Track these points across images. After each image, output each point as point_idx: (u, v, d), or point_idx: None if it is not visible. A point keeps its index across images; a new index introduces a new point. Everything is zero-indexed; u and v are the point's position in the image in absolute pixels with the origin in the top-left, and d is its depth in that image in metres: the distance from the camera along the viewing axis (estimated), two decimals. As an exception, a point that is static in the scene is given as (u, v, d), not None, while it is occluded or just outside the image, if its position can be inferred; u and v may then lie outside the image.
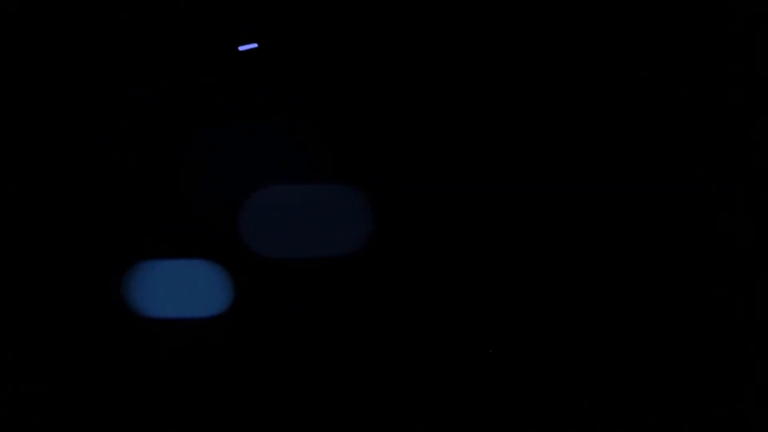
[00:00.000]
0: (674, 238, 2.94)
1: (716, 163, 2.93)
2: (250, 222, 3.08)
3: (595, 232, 2.99)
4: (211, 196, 3.09)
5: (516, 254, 3.03)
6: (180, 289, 3.00)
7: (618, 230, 2.98)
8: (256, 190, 3.09)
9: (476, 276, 3.04)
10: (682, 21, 2.97)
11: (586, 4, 3.03)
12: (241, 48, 2.93)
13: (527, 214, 3.03)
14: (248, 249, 3.07)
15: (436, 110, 3.10)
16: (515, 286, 3.02)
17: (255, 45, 2.87)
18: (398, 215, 3.07)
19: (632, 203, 2.98)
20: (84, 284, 3.04)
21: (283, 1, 3.11)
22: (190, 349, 3.02)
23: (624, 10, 3.01)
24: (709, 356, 2.86)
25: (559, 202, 3.02)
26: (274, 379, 2.99)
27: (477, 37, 3.09)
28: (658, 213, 2.95)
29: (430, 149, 3.09)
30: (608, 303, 2.96)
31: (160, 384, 2.98)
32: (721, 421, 2.80)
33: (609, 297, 2.96)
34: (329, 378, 2.99)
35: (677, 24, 2.98)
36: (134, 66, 3.10)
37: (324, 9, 3.11)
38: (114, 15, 3.07)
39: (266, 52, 3.11)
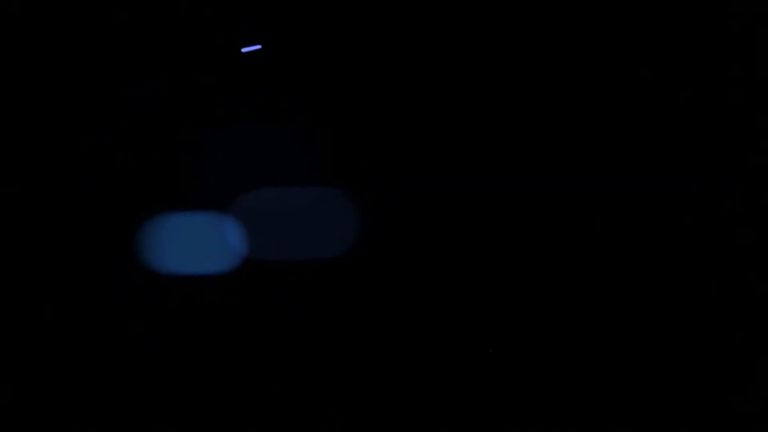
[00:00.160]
0: (674, 238, 2.94)
1: (716, 163, 2.93)
2: (248, 222, 3.08)
3: (596, 232, 2.99)
4: (211, 197, 3.09)
5: (516, 254, 3.03)
6: (193, 243, 2.99)
7: (618, 230, 2.98)
8: (256, 190, 3.09)
9: (476, 276, 3.04)
10: (682, 21, 2.97)
11: (586, 4, 3.03)
12: (245, 50, 2.93)
13: (527, 214, 3.03)
14: (248, 250, 3.07)
15: (436, 110, 3.10)
16: (515, 286, 3.02)
17: (258, 47, 2.87)
18: (398, 215, 3.07)
19: (632, 203, 2.98)
20: (84, 284, 3.04)
21: (283, 1, 3.11)
22: (189, 349, 3.02)
23: (624, 10, 3.01)
24: (709, 356, 2.86)
25: (559, 202, 3.02)
26: (274, 379, 2.99)
27: (477, 37, 3.09)
28: (658, 213, 2.95)
29: (430, 149, 3.09)
30: (608, 303, 2.96)
31: (159, 384, 2.98)
32: (721, 421, 2.80)
33: (609, 297, 2.96)
34: (329, 378, 2.99)
35: (677, 24, 2.98)
36: (134, 66, 3.10)
37: (324, 9, 3.11)
38: (114, 15, 3.07)
39: (266, 52, 3.11)
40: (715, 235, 2.91)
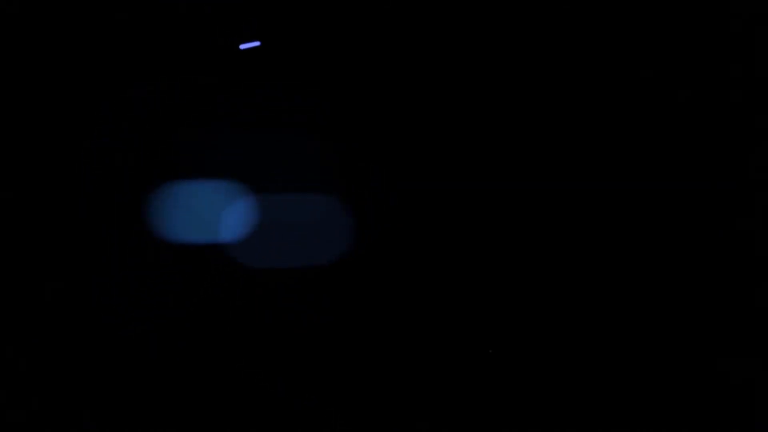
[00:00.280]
0: (674, 238, 2.94)
1: (716, 163, 2.93)
2: (247, 223, 3.08)
3: (596, 232, 2.99)
4: (211, 196, 3.09)
5: (516, 254, 3.03)
6: (202, 212, 2.98)
7: (618, 230, 2.98)
8: (256, 190, 3.09)
9: (476, 276, 3.04)
10: (682, 21, 2.97)
11: (586, 4, 3.03)
12: (243, 46, 2.93)
13: (527, 214, 3.03)
14: (248, 250, 3.07)
15: (436, 110, 3.10)
16: (515, 286, 3.02)
17: (257, 43, 2.87)
18: (398, 215, 3.07)
19: (632, 203, 2.98)
20: (84, 284, 3.04)
21: (283, 1, 3.11)
22: (189, 350, 3.02)
23: (624, 10, 3.01)
24: (709, 356, 2.86)
25: (559, 202, 3.02)
26: (274, 379, 2.99)
27: (477, 37, 3.09)
28: (659, 213, 2.95)
29: (430, 149, 3.09)
30: (608, 303, 2.96)
31: (159, 384, 2.98)
32: (721, 421, 2.80)
33: (609, 297, 2.96)
34: (329, 378, 2.99)
35: (677, 24, 2.98)
36: (134, 66, 3.10)
37: (324, 9, 3.11)
38: (114, 15, 3.07)
39: (266, 52, 3.11)
40: (715, 235, 2.91)
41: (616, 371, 2.90)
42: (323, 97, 3.12)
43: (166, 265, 3.06)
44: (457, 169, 3.08)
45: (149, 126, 3.10)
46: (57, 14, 3.06)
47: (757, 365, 2.82)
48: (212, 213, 3.06)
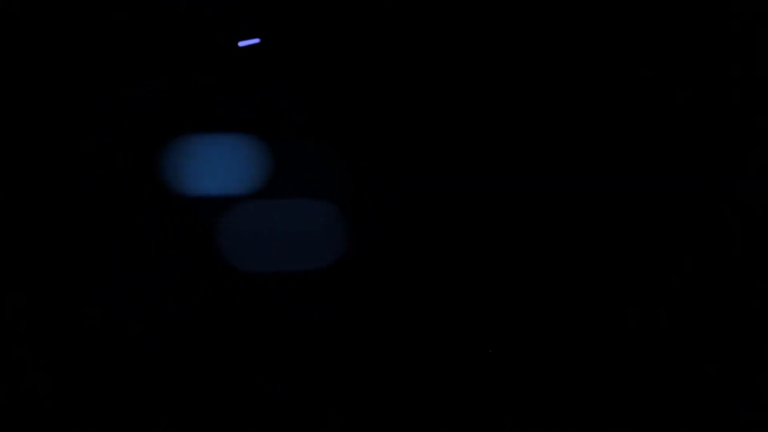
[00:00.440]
0: (674, 238, 2.94)
1: (716, 163, 2.93)
2: (247, 223, 3.08)
3: (596, 232, 2.99)
4: (211, 196, 3.09)
5: (516, 254, 3.03)
6: (216, 165, 2.97)
7: (618, 230, 2.98)
8: (255, 190, 3.09)
9: (476, 276, 3.04)
10: (682, 21, 2.97)
11: (586, 4, 3.03)
12: (242, 44, 2.93)
13: (527, 214, 3.03)
14: (247, 250, 3.07)
15: (435, 111, 3.10)
16: (515, 286, 3.02)
17: (257, 40, 2.86)
18: (398, 215, 3.07)
19: (632, 203, 2.98)
20: (84, 284, 3.04)
21: (283, 1, 3.11)
22: (188, 350, 3.02)
23: (624, 10, 3.01)
24: (708, 356, 2.86)
25: (559, 202, 3.02)
26: (274, 379, 2.99)
27: (477, 37, 3.09)
28: (659, 213, 2.95)
29: (430, 149, 3.09)
30: (608, 303, 2.96)
31: (158, 384, 2.98)
32: (721, 421, 2.80)
33: (609, 297, 2.96)
34: (329, 378, 2.99)
35: (677, 24, 2.98)
36: (134, 66, 3.10)
37: (324, 9, 3.11)
38: (114, 15, 3.07)
39: (266, 52, 3.11)
40: (715, 235, 2.91)
41: (616, 371, 2.90)
42: (323, 97, 3.12)
43: (166, 266, 3.06)
44: (457, 169, 3.08)
45: (148, 126, 3.10)
46: (57, 14, 3.06)
47: (758, 365, 2.81)
48: (212, 213, 3.06)
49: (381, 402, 2.95)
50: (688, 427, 2.81)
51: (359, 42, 3.12)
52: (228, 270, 3.07)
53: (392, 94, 3.11)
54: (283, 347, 3.03)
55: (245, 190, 3.09)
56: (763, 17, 2.91)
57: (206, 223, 3.09)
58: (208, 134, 3.01)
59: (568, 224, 3.01)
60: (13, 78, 3.06)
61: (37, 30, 3.07)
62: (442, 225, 3.06)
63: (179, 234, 3.08)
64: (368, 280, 3.06)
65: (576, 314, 2.97)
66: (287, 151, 3.11)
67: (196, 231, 3.08)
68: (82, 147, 3.09)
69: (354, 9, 3.10)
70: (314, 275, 3.07)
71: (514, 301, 3.01)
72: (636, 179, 2.98)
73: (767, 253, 2.85)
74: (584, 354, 2.93)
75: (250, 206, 3.09)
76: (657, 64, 2.99)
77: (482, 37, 3.09)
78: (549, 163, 3.04)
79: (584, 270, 2.98)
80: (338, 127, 3.12)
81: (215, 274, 3.07)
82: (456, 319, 3.02)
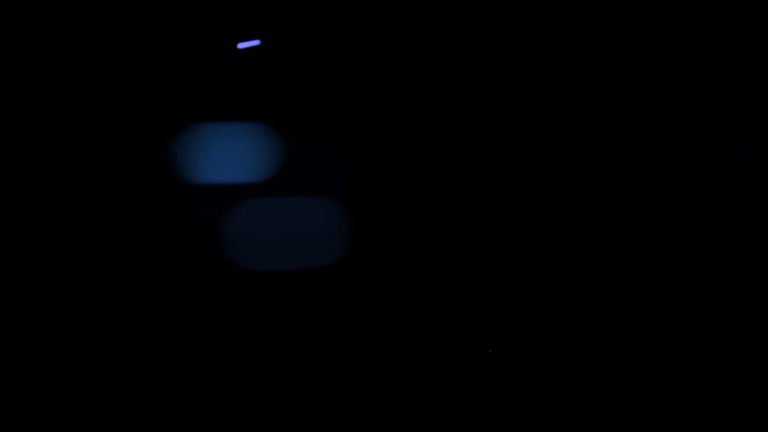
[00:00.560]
0: (674, 238, 2.94)
1: (716, 163, 2.93)
2: (247, 224, 3.08)
3: (595, 231, 2.99)
4: (211, 197, 3.09)
5: (516, 254, 3.03)
6: (226, 152, 2.97)
7: (618, 230, 2.98)
8: (254, 190, 3.09)
9: (476, 276, 3.04)
10: (682, 21, 2.97)
11: (586, 5, 3.03)
12: (241, 45, 2.93)
13: (527, 214, 3.03)
14: (247, 251, 3.07)
15: (435, 111, 3.10)
16: (515, 286, 3.02)
17: (257, 42, 2.86)
18: (397, 215, 3.07)
19: (632, 203, 2.98)
20: (84, 284, 3.04)
21: (283, 1, 3.11)
22: (188, 350, 3.02)
23: (624, 10, 3.01)
24: (709, 356, 2.86)
25: (559, 202, 3.02)
26: (274, 379, 2.99)
27: (477, 37, 3.09)
28: (658, 213, 2.96)
29: (429, 149, 3.09)
30: (608, 303, 2.96)
31: (159, 384, 2.98)
32: (721, 421, 2.80)
33: (609, 297, 2.96)
34: (329, 378, 2.99)
35: (677, 24, 2.98)
36: (134, 66, 3.10)
37: (324, 9, 3.11)
38: (114, 15, 3.07)
39: (266, 51, 3.11)
40: (715, 235, 2.91)
41: (616, 371, 2.90)
42: (323, 96, 3.12)
43: (166, 265, 3.07)
44: (457, 169, 3.08)
45: (149, 126, 3.10)
46: (57, 14, 3.06)
47: (757, 365, 2.82)
48: (212, 213, 3.06)
49: (381, 402, 2.95)
50: (688, 427, 2.81)
51: (359, 42, 3.12)
52: (229, 269, 3.07)
53: (392, 95, 3.11)
54: (283, 348, 3.03)
55: (245, 190, 3.09)
56: (763, 17, 2.91)
57: (206, 223, 3.09)
58: (207, 134, 3.02)
59: (568, 224, 3.01)
60: (13, 78, 3.07)
61: (37, 30, 3.07)
62: (441, 225, 3.06)
63: (179, 234, 3.08)
64: (368, 280, 3.06)
65: (576, 314, 2.97)
66: (286, 150, 3.12)
67: (197, 231, 3.08)
68: (81, 147, 3.09)
69: (354, 10, 3.10)
70: (313, 275, 3.07)
71: (513, 301, 3.01)
72: (636, 179, 2.98)
73: (767, 253, 2.86)
74: (584, 354, 2.93)
75: (251, 206, 3.09)
76: (657, 64, 2.99)
77: (482, 37, 3.09)
78: (549, 163, 3.04)
79: (584, 270, 2.98)
80: (338, 127, 3.12)
81: (215, 274, 3.07)
82: (455, 319, 3.02)
